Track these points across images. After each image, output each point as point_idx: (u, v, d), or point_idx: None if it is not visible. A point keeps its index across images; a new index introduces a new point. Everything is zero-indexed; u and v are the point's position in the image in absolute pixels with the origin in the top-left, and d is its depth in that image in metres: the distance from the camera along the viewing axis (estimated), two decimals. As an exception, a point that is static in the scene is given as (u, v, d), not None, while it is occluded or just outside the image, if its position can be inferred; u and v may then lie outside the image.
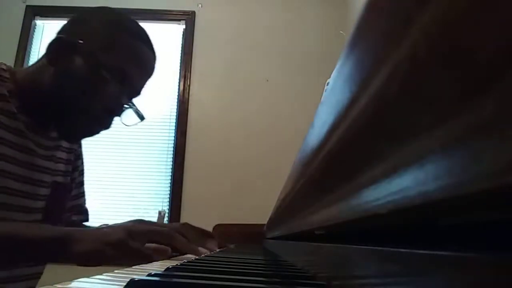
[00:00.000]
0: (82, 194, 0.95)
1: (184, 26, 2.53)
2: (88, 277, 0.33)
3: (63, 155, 0.85)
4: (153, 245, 0.73)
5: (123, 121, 0.79)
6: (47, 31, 2.62)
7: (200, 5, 2.57)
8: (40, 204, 0.77)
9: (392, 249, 0.17)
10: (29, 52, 2.49)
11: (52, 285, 0.27)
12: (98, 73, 0.72)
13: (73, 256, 0.61)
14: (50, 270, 0.83)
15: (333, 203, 0.25)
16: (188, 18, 2.55)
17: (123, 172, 2.31)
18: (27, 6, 2.59)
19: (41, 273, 0.82)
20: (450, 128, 0.10)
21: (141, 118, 0.81)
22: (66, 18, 0.79)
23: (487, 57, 0.08)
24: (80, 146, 0.92)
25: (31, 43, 2.55)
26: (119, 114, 0.78)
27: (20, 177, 0.72)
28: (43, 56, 0.75)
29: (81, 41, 0.72)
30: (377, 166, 0.16)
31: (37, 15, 2.60)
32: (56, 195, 0.81)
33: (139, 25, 0.80)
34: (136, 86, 0.79)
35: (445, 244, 0.13)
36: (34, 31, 2.58)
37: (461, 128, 0.10)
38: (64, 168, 0.85)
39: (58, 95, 0.72)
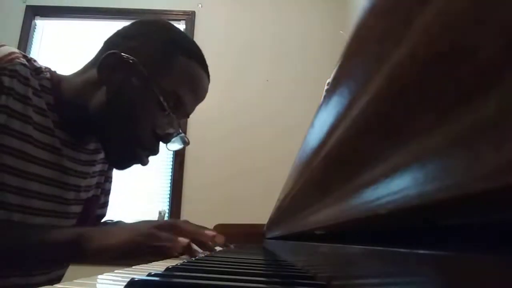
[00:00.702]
0: (107, 204, 0.93)
1: (184, 26, 2.53)
2: (88, 277, 0.33)
3: (98, 167, 0.81)
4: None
5: (168, 147, 0.75)
6: (47, 31, 2.62)
7: (200, 5, 2.57)
8: (72, 222, 0.75)
9: (392, 249, 0.17)
10: (29, 52, 2.49)
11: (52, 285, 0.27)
12: (153, 97, 0.67)
13: (87, 254, 0.62)
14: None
15: (333, 203, 0.25)
16: (188, 18, 2.55)
17: (122, 173, 2.30)
18: (27, 6, 2.59)
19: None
20: (450, 128, 0.10)
21: (185, 143, 0.77)
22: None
23: (487, 57, 0.08)
24: None
25: (31, 43, 2.55)
26: (168, 141, 0.73)
27: (51, 196, 0.69)
28: (91, 66, 0.70)
29: (137, 60, 0.67)
30: (377, 166, 0.16)
31: (37, 15, 2.61)
32: (87, 210, 0.78)
33: (195, 45, 0.75)
34: (188, 111, 0.75)
35: (445, 244, 0.13)
36: (34, 31, 2.58)
37: (461, 128, 0.10)
38: (97, 180, 0.82)
39: (108, 117, 0.67)
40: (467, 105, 0.09)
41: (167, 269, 0.40)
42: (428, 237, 0.16)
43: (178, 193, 2.29)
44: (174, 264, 0.48)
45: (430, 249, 0.14)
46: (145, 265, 0.49)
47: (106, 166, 0.85)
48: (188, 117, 0.77)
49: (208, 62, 0.75)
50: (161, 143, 0.73)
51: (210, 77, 0.78)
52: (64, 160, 0.70)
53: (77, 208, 0.76)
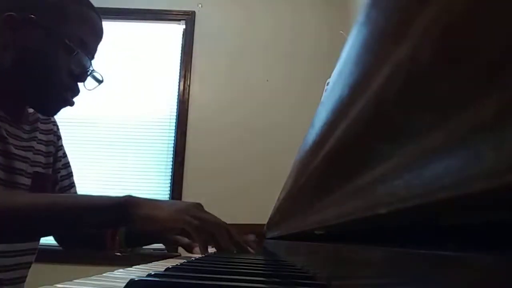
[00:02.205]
0: (72, 185, 0.98)
1: (184, 26, 2.53)
2: (88, 277, 0.33)
3: (41, 147, 0.86)
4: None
5: (86, 87, 0.84)
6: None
7: (200, 5, 2.57)
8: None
9: (392, 249, 0.17)
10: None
11: (52, 285, 0.27)
12: (59, 43, 0.75)
13: (135, 219, 0.68)
14: (50, 270, 0.83)
15: (333, 203, 0.25)
16: (188, 18, 2.54)
17: (123, 172, 2.31)
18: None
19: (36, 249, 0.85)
20: (450, 128, 0.10)
21: (99, 81, 0.86)
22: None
23: (488, 57, 0.08)
24: (59, 138, 0.93)
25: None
26: (84, 79, 0.82)
27: None
28: None
29: (33, 16, 0.74)
30: (377, 166, 0.16)
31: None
32: (38, 186, 0.82)
33: None
34: (91, 50, 0.83)
35: (445, 244, 0.13)
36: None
37: (461, 128, 0.10)
38: (44, 160, 0.86)
39: (25, 74, 0.75)
40: (467, 104, 0.09)
41: (167, 269, 0.40)
42: (428, 237, 0.16)
43: (178, 193, 2.29)
44: (174, 264, 0.48)
45: (430, 249, 0.14)
46: (145, 265, 0.49)
47: (52, 148, 0.90)
48: (94, 58, 0.85)
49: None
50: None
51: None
52: (2, 131, 0.75)
53: (25, 180, 0.80)
